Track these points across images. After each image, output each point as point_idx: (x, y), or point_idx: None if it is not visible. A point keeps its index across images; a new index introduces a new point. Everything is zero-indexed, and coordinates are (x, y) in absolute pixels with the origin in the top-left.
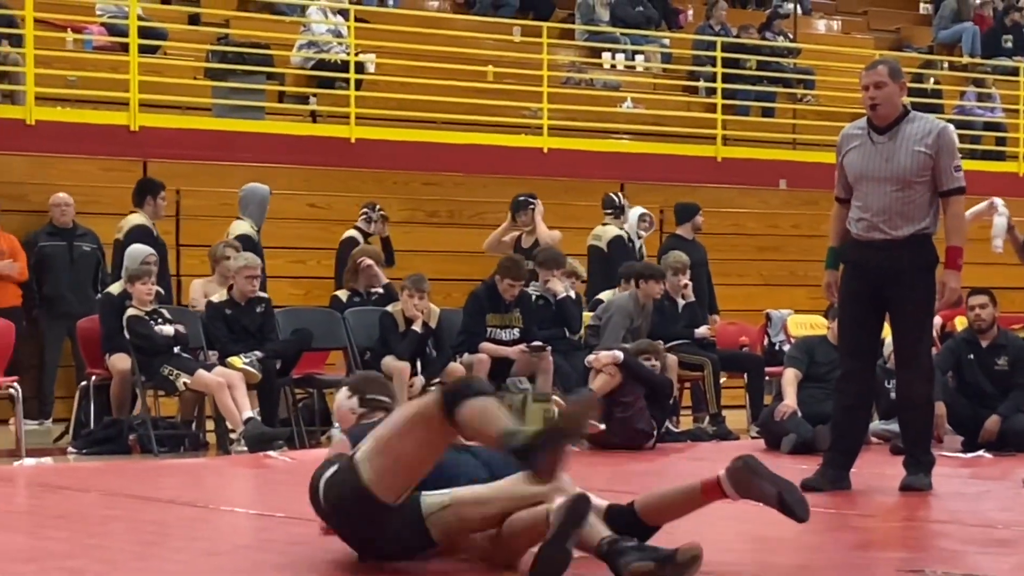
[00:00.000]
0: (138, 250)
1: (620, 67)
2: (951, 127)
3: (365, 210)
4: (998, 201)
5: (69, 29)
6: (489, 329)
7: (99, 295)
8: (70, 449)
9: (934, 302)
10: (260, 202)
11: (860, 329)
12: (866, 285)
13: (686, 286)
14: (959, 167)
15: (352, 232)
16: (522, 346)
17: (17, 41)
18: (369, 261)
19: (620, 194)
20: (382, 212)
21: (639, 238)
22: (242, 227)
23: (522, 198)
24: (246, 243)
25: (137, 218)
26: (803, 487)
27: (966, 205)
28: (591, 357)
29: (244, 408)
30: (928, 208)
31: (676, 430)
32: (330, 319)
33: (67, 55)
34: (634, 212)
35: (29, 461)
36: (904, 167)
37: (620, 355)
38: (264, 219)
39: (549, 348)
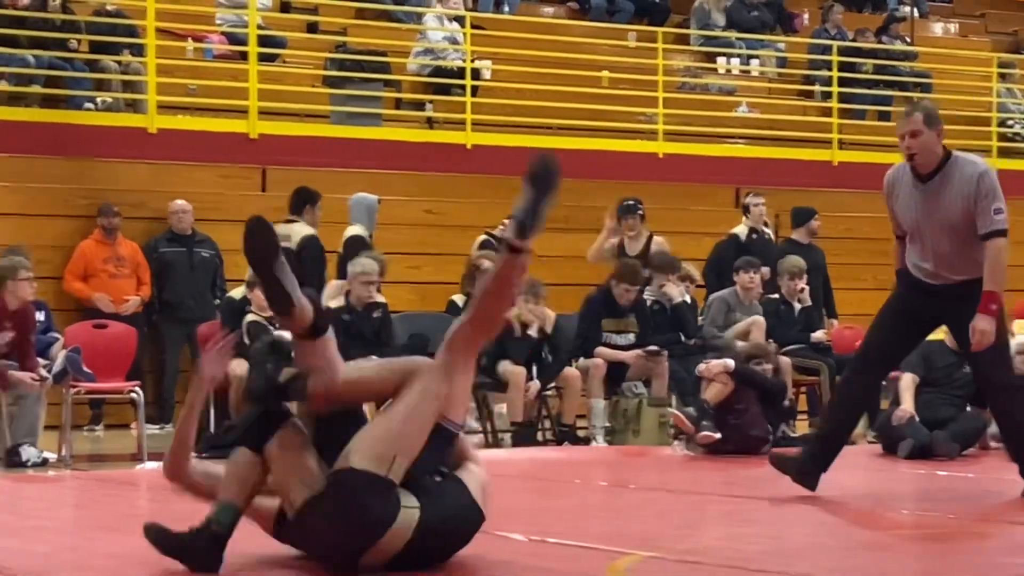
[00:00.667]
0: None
1: (735, 71)
2: (991, 171)
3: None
4: None
5: (190, 38)
6: (605, 334)
7: (217, 300)
8: (192, 453)
9: (1002, 332)
10: (367, 210)
11: (893, 338)
12: (923, 307)
13: (802, 290)
14: (1000, 210)
15: (484, 238)
16: (638, 351)
17: (139, 51)
18: (488, 263)
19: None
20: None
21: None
22: (354, 229)
23: (629, 202)
24: (358, 244)
25: (303, 228)
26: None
27: None
28: (702, 366)
29: None
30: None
31: (793, 435)
32: (446, 324)
33: (188, 64)
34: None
35: (150, 465)
36: (953, 215)
37: (731, 363)
38: (375, 226)
39: (665, 353)
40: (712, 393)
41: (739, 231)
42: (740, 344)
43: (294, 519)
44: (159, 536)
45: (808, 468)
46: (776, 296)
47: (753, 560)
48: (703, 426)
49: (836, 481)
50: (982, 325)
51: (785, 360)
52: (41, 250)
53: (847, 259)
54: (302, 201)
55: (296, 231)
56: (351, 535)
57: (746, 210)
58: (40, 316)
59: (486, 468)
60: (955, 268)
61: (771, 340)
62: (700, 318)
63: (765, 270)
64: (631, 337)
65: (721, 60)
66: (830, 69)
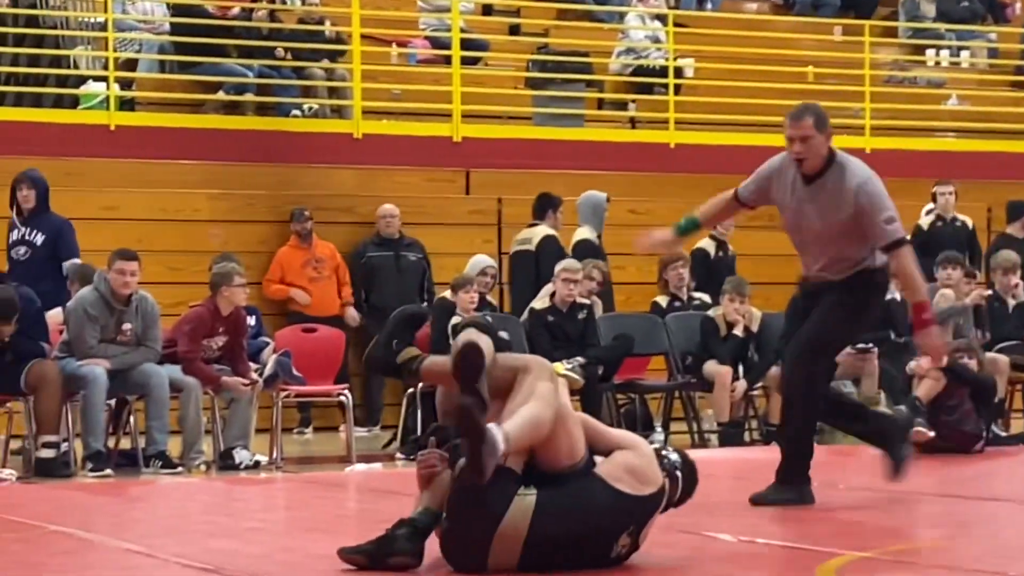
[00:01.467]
0: (479, 260)
1: (944, 64)
2: (872, 179)
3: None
4: None
5: (394, 44)
6: None
7: (425, 303)
8: (398, 455)
9: (854, 311)
10: (594, 209)
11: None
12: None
13: (1016, 286)
14: (891, 219)
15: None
16: (848, 348)
17: (344, 57)
18: (682, 269)
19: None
20: None
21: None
22: (582, 233)
23: None
24: (586, 248)
25: (543, 229)
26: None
27: None
28: (913, 364)
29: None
30: (866, 247)
31: (1004, 434)
32: (651, 324)
33: (392, 69)
34: None
35: (359, 467)
36: (832, 222)
37: (944, 359)
38: (603, 225)
39: (875, 351)
40: (924, 390)
41: (922, 222)
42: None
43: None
44: (353, 551)
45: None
46: (989, 292)
47: (968, 561)
48: (916, 423)
49: None
50: (927, 340)
51: (1003, 359)
52: (250, 256)
53: None
54: (543, 207)
55: (536, 233)
56: (469, 525)
57: (933, 198)
58: (251, 321)
59: (642, 451)
60: (832, 269)
61: (983, 334)
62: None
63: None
64: None
65: (930, 52)
66: None
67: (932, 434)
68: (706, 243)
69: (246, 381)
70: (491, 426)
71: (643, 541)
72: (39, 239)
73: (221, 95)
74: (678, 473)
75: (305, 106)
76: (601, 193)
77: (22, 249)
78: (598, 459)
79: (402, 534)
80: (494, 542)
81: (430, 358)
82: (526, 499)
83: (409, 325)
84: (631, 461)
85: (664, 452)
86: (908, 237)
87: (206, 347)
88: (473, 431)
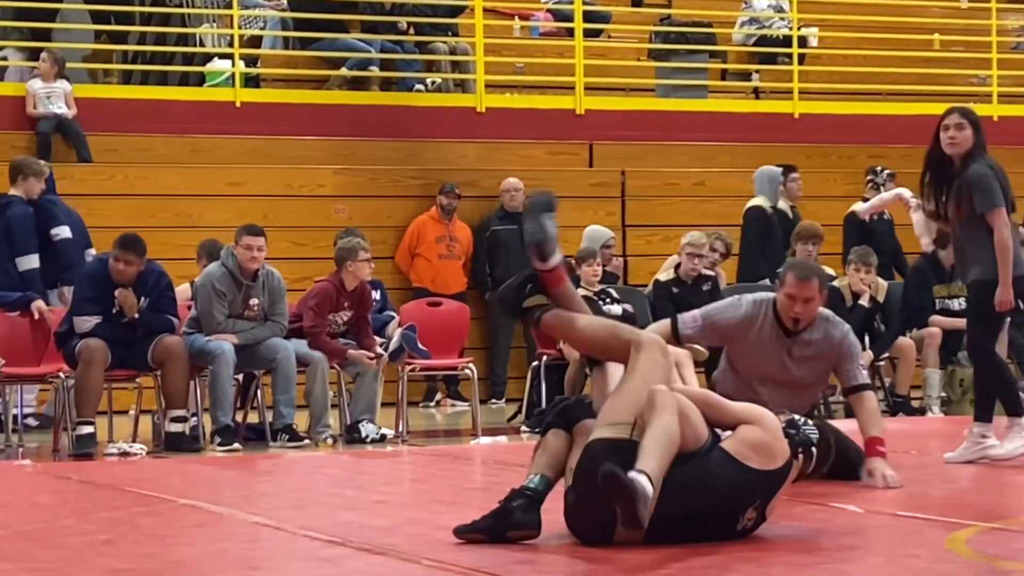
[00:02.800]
0: (599, 232)
1: None
2: (850, 334)
3: (869, 177)
4: (907, 193)
5: (516, 17)
6: (937, 300)
7: None
8: (523, 428)
9: None
10: (770, 181)
11: None
12: None
13: None
14: (862, 364)
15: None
16: None
17: (467, 31)
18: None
19: None
20: (888, 171)
21: None
22: (756, 200)
23: None
24: (756, 215)
25: (757, 199)
26: None
27: None
28: None
29: (692, 386)
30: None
31: None
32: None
33: (515, 42)
34: None
35: (484, 440)
36: (805, 377)
37: None
38: (777, 196)
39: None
40: None
41: None
42: None
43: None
44: (470, 529)
45: None
46: None
47: None
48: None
49: None
50: (881, 468)
51: None
52: (375, 231)
53: None
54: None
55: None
56: (596, 504)
57: None
58: (376, 295)
59: (768, 425)
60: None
61: None
62: None
63: None
64: (963, 302)
65: None
66: None
67: None
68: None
69: (371, 355)
70: (635, 478)
71: (770, 514)
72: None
73: (344, 71)
74: (813, 449)
75: (428, 80)
76: (773, 167)
77: None
78: (724, 434)
79: (518, 506)
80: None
81: (554, 311)
82: None
83: (532, 280)
84: (757, 436)
85: (802, 425)
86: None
87: (332, 321)
88: (624, 498)
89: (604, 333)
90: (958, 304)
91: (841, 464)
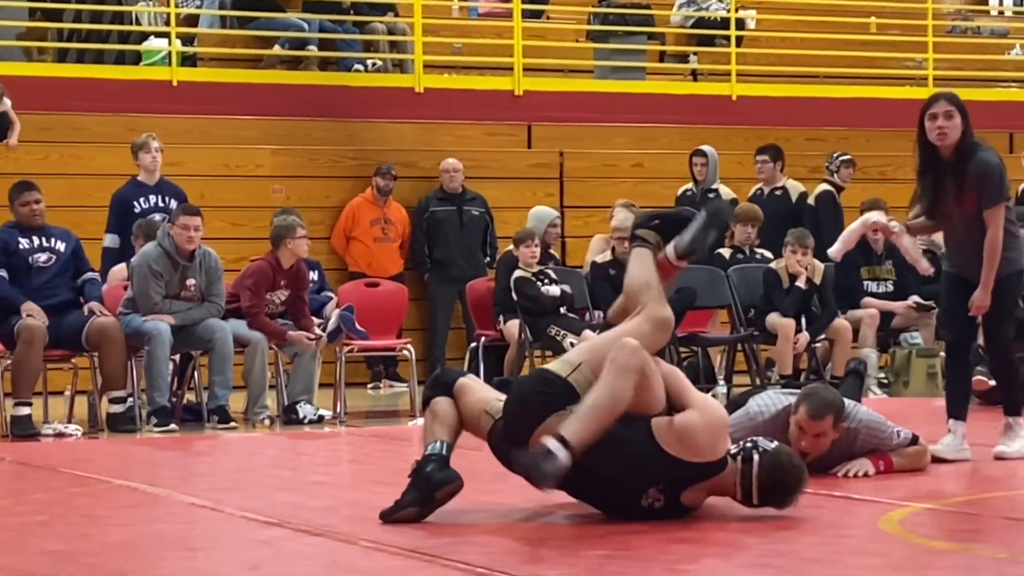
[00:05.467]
0: (545, 212)
1: (1008, 13)
2: (864, 419)
3: (827, 164)
4: (875, 216)
5: None
6: (864, 283)
7: (488, 258)
8: None
9: None
10: None
11: None
12: None
13: None
14: (894, 435)
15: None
16: (910, 302)
17: (406, 11)
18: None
19: None
20: (843, 157)
21: None
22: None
23: None
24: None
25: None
26: None
27: None
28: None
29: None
30: None
31: None
32: (714, 277)
33: (453, 23)
34: None
35: (422, 421)
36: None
37: None
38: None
39: (935, 308)
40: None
41: None
42: None
43: (491, 444)
44: (397, 509)
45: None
46: None
47: None
48: (977, 371)
49: None
50: (862, 467)
51: None
52: (312, 211)
53: None
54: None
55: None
56: (520, 414)
57: None
58: (314, 276)
59: (710, 421)
60: None
61: None
62: None
63: None
64: (889, 285)
65: (993, 1)
66: None
67: (993, 383)
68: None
69: (311, 335)
70: (548, 444)
71: (693, 504)
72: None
73: (278, 50)
74: (752, 468)
75: (368, 61)
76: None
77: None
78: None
79: (432, 469)
80: (531, 441)
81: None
82: (567, 414)
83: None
84: (688, 425)
85: (759, 445)
86: None
87: (269, 301)
88: (527, 471)
89: (639, 284)
90: (883, 287)
91: None
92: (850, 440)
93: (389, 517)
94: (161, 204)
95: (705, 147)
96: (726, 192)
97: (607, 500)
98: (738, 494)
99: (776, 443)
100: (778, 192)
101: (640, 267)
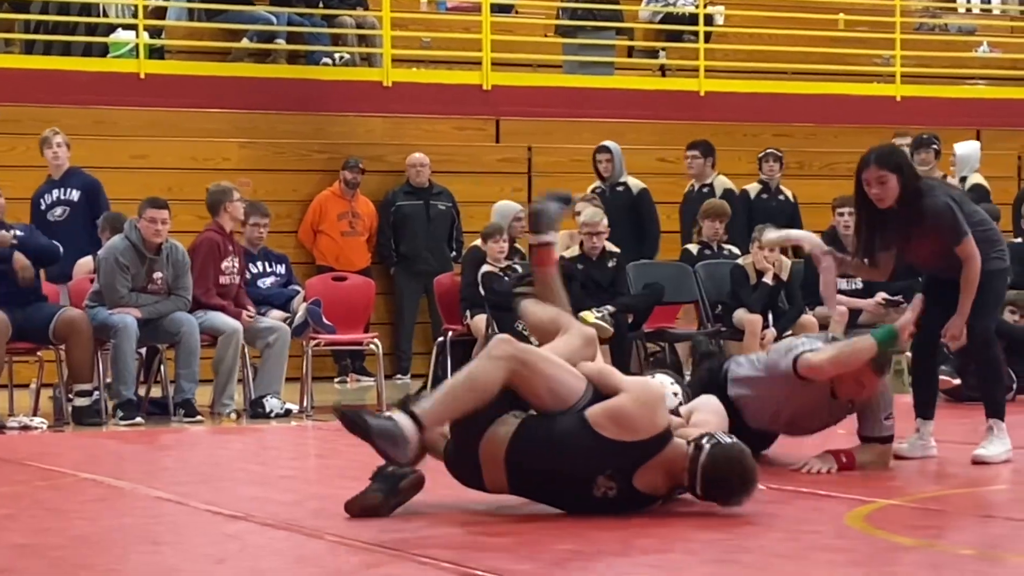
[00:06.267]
0: (508, 207)
1: (976, 10)
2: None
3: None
4: (812, 241)
5: None
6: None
7: (454, 252)
8: None
9: None
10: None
11: None
12: None
13: None
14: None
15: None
16: (878, 299)
17: (375, 4)
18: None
19: None
20: (768, 151)
21: None
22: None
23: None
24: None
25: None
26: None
27: None
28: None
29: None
30: None
31: None
32: (681, 273)
33: (422, 17)
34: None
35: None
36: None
37: None
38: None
39: (904, 304)
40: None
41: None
42: None
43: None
44: (363, 495)
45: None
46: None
47: (999, 508)
48: (941, 370)
49: None
50: (823, 464)
51: None
52: (280, 205)
53: None
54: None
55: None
56: (462, 435)
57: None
58: (281, 269)
59: (641, 400)
60: None
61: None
62: None
63: None
64: (858, 282)
65: None
66: None
67: (957, 381)
68: (753, 187)
69: (249, 312)
70: (397, 416)
71: (646, 488)
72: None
73: (246, 43)
74: (701, 456)
75: (336, 55)
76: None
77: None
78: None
79: (394, 468)
80: (480, 453)
81: (530, 303)
82: (510, 420)
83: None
84: (621, 407)
85: (717, 437)
86: None
87: (226, 269)
88: (358, 432)
89: (547, 321)
90: (852, 284)
91: None
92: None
93: (354, 503)
94: (63, 198)
95: (609, 143)
96: (635, 184)
97: (561, 497)
98: (686, 480)
99: (734, 440)
100: (705, 189)
101: (539, 309)
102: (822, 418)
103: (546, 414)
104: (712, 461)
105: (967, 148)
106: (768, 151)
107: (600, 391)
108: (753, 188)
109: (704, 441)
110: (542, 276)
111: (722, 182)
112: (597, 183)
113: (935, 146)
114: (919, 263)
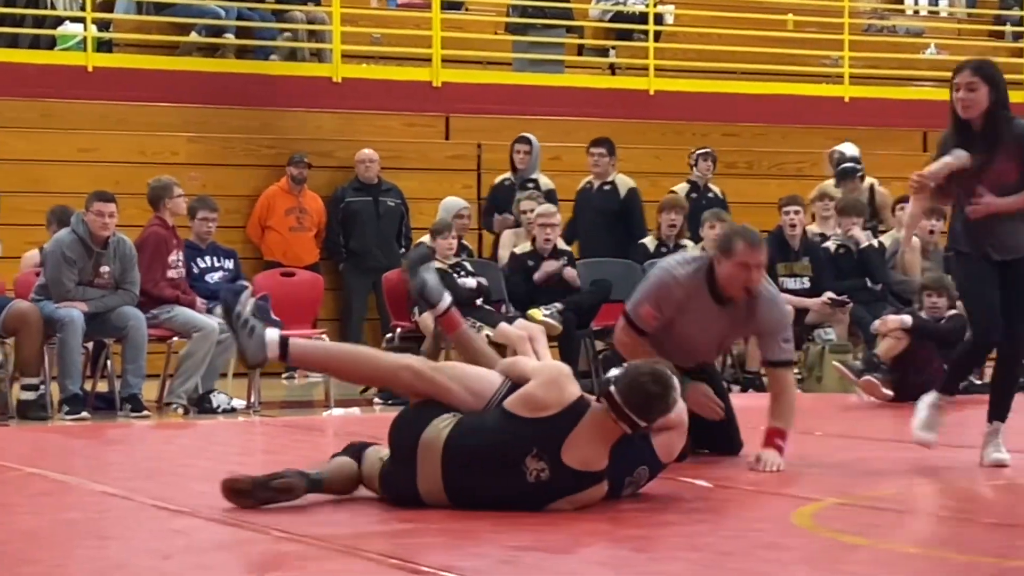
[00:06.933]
0: (453, 203)
1: (923, 12)
2: (787, 305)
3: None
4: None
5: None
6: (780, 279)
7: (403, 249)
8: (376, 400)
9: None
10: None
11: None
12: None
13: None
14: (789, 339)
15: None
16: (824, 298)
17: (325, 0)
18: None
19: None
20: (701, 151)
21: None
22: None
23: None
24: None
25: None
26: None
27: None
28: (877, 323)
29: (546, 359)
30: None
31: (979, 382)
32: (630, 270)
33: (372, 13)
34: None
35: (337, 411)
36: (725, 340)
37: (908, 319)
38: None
39: (850, 304)
40: (884, 348)
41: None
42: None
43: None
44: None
45: None
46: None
47: (943, 507)
48: (875, 377)
49: None
50: (773, 460)
51: None
52: (229, 200)
53: None
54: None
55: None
56: (400, 440)
57: None
58: (229, 264)
59: (541, 378)
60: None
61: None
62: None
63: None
64: (805, 281)
65: (909, 1)
66: (1022, 8)
67: (890, 393)
68: (681, 187)
69: (203, 304)
70: (269, 332)
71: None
72: None
73: (194, 36)
74: (616, 398)
75: (282, 35)
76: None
77: None
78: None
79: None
80: (418, 454)
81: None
82: (445, 420)
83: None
84: (526, 389)
85: (610, 378)
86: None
87: (173, 263)
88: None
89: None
90: (799, 283)
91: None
92: (764, 315)
93: (227, 482)
94: None
95: (529, 134)
96: (545, 182)
97: (496, 488)
98: (626, 429)
99: (627, 364)
100: (607, 187)
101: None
102: (720, 330)
103: (475, 412)
104: (627, 389)
105: None
106: (700, 150)
107: (516, 383)
108: (682, 188)
109: (607, 386)
110: (457, 340)
111: (624, 181)
112: (508, 175)
113: (859, 173)
114: (993, 187)
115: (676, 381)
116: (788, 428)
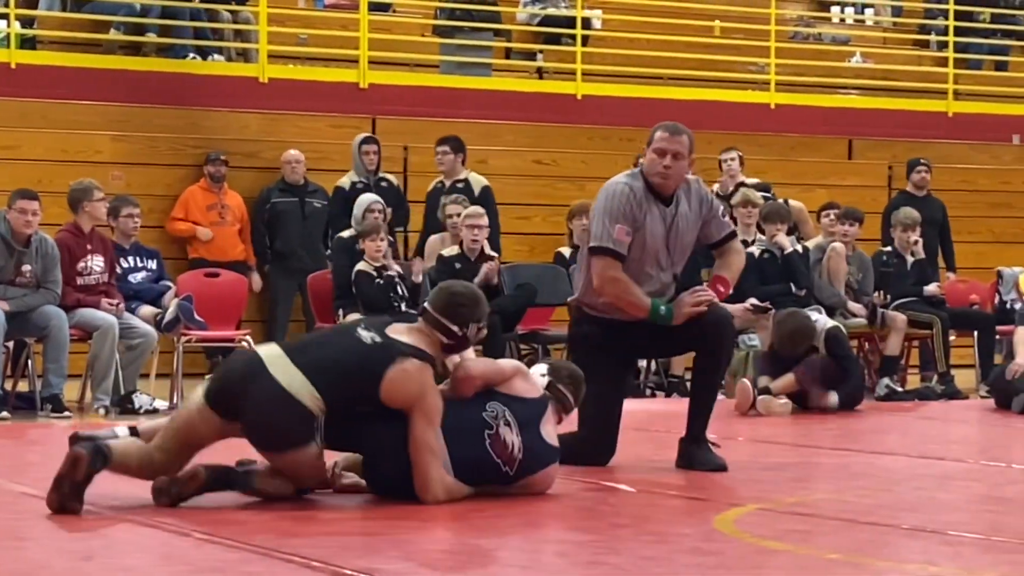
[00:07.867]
0: (363, 199)
1: (849, 20)
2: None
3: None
4: None
5: None
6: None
7: (328, 251)
8: None
9: None
10: None
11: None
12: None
13: (916, 243)
14: (725, 214)
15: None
16: (747, 304)
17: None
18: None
19: None
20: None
21: None
22: None
23: None
24: None
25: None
26: None
27: None
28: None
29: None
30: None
31: (900, 389)
32: (554, 275)
33: (299, 13)
34: None
35: None
36: (687, 242)
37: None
38: None
39: (772, 311)
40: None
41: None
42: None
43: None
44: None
45: None
46: (888, 248)
47: (864, 513)
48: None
49: (948, 435)
50: (700, 297)
51: (900, 316)
52: (152, 199)
53: (962, 212)
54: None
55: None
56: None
57: None
58: (152, 264)
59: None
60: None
61: (883, 293)
62: None
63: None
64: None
65: (835, 9)
66: (946, 18)
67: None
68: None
69: (111, 302)
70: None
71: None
72: None
73: (114, 33)
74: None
75: (210, 32)
76: None
77: None
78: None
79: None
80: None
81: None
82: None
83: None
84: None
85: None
86: None
87: (84, 270)
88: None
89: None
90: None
91: None
92: (702, 204)
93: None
94: None
95: (373, 134)
96: (476, 180)
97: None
98: (442, 338)
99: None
100: (460, 185)
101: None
102: (676, 231)
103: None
104: (435, 296)
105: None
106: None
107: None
108: None
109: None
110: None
111: (478, 179)
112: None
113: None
114: None
115: (485, 300)
116: (732, 279)
